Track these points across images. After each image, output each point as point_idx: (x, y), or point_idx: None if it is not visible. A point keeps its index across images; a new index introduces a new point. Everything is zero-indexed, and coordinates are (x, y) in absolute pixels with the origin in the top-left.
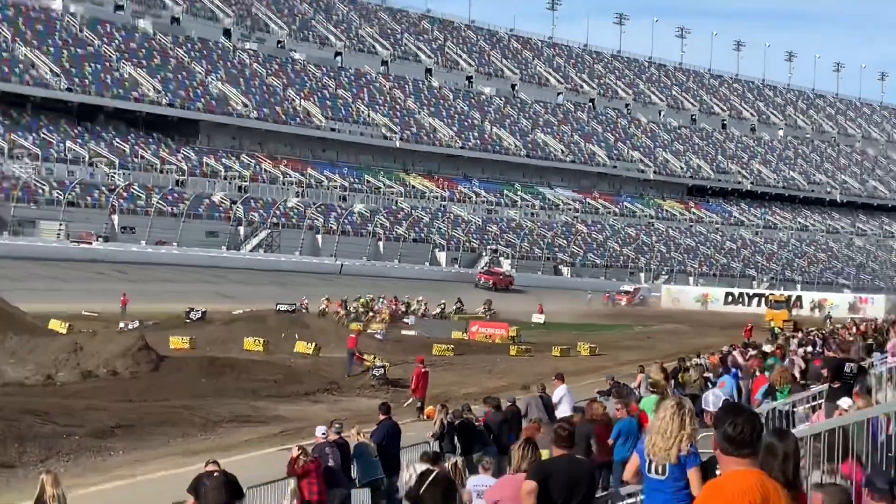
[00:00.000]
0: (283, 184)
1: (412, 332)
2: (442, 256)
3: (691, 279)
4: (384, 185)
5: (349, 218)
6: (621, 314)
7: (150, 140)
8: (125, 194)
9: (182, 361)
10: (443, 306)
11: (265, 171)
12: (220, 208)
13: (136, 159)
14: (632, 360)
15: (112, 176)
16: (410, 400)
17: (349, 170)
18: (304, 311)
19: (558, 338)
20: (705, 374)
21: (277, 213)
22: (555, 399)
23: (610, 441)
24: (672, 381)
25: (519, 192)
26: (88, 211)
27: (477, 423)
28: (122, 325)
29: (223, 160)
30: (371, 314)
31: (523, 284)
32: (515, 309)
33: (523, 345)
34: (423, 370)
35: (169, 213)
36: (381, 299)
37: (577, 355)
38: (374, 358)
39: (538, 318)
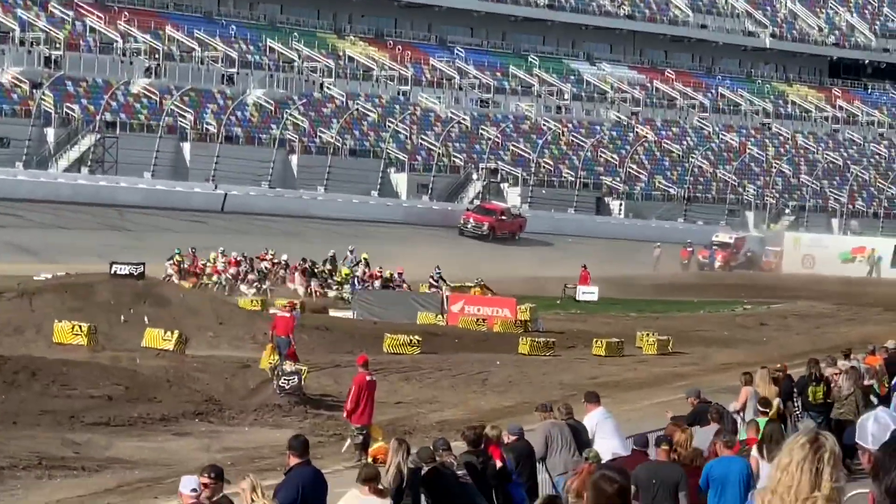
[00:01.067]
0: (124, 53)
1: (346, 314)
2: (400, 181)
3: (836, 222)
4: (300, 55)
5: (239, 113)
6: (713, 281)
7: None
8: None
9: None
10: (392, 275)
11: (94, 30)
12: (13, 96)
13: None
14: (730, 364)
15: None
16: (348, 442)
17: (239, 29)
18: (168, 275)
19: (601, 323)
20: (865, 384)
21: (113, 104)
22: (589, 429)
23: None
24: (799, 399)
25: (536, 70)
26: None
27: (462, 475)
28: None
29: (18, 10)
30: (274, 278)
31: (541, 231)
32: (528, 272)
33: (542, 334)
34: (367, 379)
35: None
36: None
37: (634, 354)
38: (277, 359)
39: (588, 292)
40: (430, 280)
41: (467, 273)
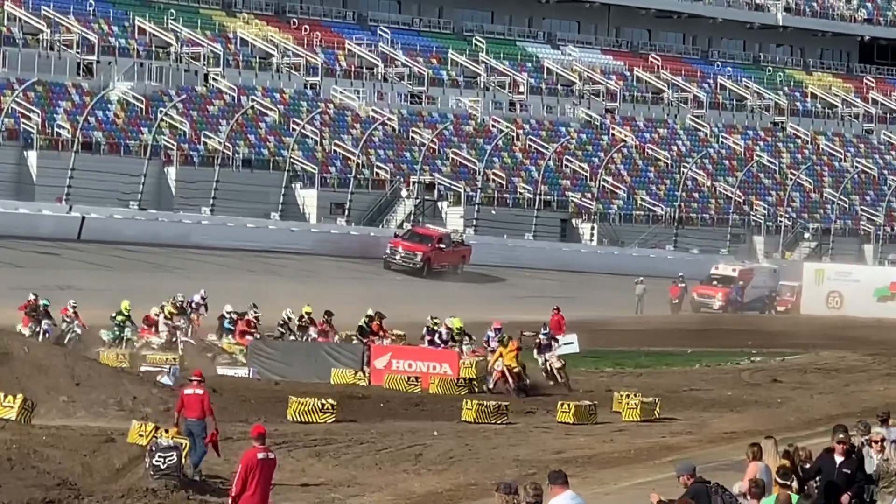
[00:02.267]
0: None
1: (239, 372)
2: (309, 200)
3: (869, 249)
4: (178, 37)
5: (100, 114)
6: (711, 326)
7: None
8: None
9: None
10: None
11: None
12: None
13: None
14: (733, 432)
15: None
16: None
17: (100, 4)
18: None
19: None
20: None
21: None
22: None
23: None
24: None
25: (482, 56)
26: None
27: None
28: None
29: None
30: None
31: (490, 262)
32: (473, 315)
33: (492, 394)
34: (259, 457)
35: None
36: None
37: (611, 421)
38: (158, 430)
39: (567, 342)
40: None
41: (394, 318)
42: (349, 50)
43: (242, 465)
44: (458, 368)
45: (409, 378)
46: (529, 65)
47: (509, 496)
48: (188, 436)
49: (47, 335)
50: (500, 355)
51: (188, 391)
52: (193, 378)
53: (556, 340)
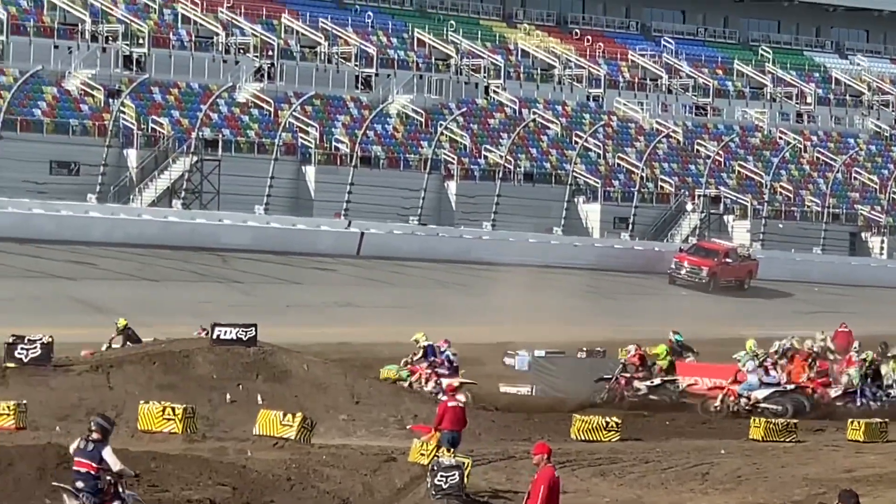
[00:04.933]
0: (227, 50)
1: (522, 390)
2: (592, 214)
3: None
4: (458, 49)
5: (379, 127)
6: None
7: None
8: None
9: (5, 456)
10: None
11: (188, 20)
12: (83, 107)
13: None
14: None
15: None
16: None
17: (378, 16)
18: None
19: None
20: None
21: (213, 117)
22: None
23: None
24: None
25: (769, 66)
26: None
27: None
28: None
29: None
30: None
31: (777, 277)
32: (759, 331)
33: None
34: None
35: None
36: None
37: None
38: (440, 449)
39: None
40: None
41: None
42: (632, 61)
43: (542, 484)
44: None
45: (694, 396)
46: (817, 75)
47: None
48: (449, 444)
49: None
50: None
51: (450, 403)
52: (449, 385)
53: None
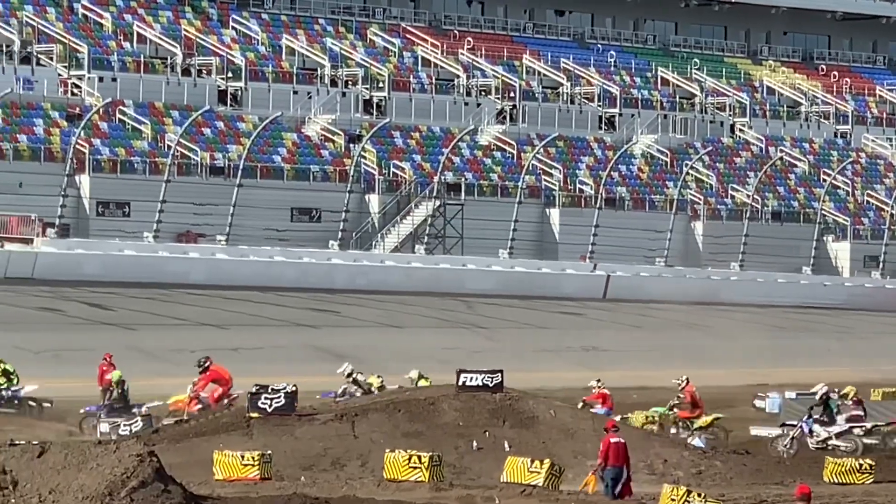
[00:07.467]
0: (469, 92)
1: (773, 433)
2: (842, 252)
3: None
4: (703, 87)
5: (623, 168)
6: None
7: None
8: None
9: None
10: None
11: (428, 63)
12: (324, 153)
13: None
14: None
15: None
16: None
17: (621, 55)
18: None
19: None
20: None
21: (455, 160)
22: None
23: None
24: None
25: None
26: None
27: None
28: (102, 425)
29: (328, 39)
30: None
31: None
32: None
33: None
34: None
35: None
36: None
37: None
38: (691, 494)
39: None
40: None
41: None
42: (880, 96)
43: None
44: None
45: None
46: None
47: None
48: (612, 481)
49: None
50: None
51: (613, 439)
52: (610, 426)
53: None
